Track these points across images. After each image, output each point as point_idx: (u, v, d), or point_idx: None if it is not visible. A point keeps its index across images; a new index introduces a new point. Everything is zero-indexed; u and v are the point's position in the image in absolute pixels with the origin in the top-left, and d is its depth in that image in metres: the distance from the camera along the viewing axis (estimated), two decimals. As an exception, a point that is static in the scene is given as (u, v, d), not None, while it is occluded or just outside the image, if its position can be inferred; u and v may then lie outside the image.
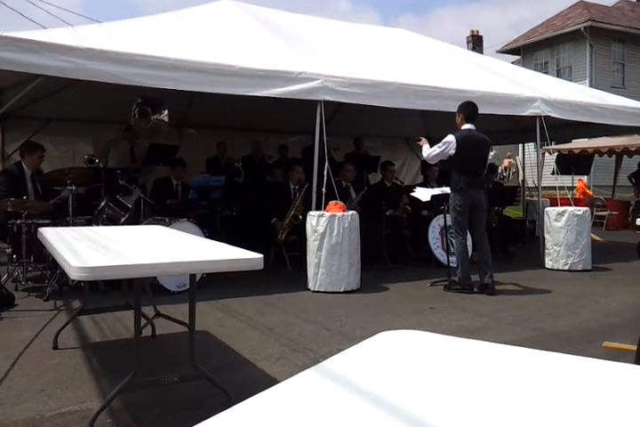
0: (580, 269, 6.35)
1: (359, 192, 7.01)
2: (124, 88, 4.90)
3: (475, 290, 5.23)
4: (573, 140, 12.27)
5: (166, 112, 5.53)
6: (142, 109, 5.48)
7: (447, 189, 5.60)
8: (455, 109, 5.45)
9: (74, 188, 5.10)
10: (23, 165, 5.65)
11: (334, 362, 1.03)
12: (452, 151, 5.18)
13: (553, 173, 7.36)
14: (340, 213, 5.24)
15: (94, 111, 7.37)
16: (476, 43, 25.20)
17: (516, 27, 68.88)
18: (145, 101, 5.47)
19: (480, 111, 5.67)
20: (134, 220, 5.50)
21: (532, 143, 9.18)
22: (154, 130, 5.58)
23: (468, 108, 5.36)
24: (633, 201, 11.94)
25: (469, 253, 5.50)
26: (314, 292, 5.20)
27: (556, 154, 10.62)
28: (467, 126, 5.31)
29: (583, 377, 0.96)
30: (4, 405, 2.58)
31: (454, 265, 5.62)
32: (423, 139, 5.65)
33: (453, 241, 6.08)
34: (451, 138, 5.22)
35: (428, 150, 5.37)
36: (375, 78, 5.90)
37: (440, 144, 5.26)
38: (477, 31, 25.83)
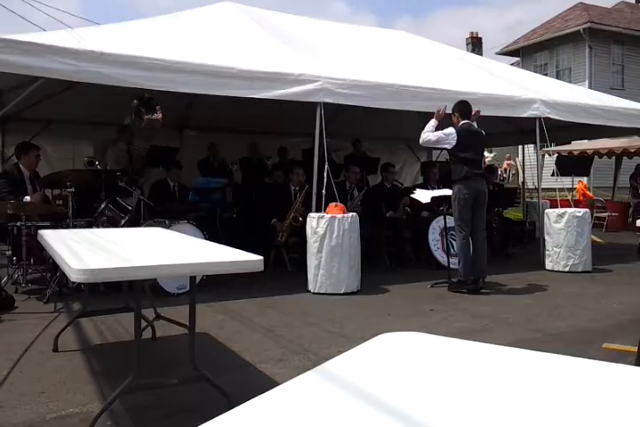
0: (580, 270, 6.35)
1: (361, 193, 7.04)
2: (124, 90, 4.91)
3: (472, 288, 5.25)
4: (573, 142, 12.29)
5: (159, 112, 5.52)
6: (137, 109, 5.48)
7: (447, 191, 5.60)
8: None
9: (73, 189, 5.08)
10: (21, 166, 5.66)
11: (335, 364, 1.03)
12: (453, 143, 5.27)
13: (553, 175, 7.38)
14: (340, 215, 5.24)
15: (94, 113, 7.37)
16: (475, 44, 25.25)
17: (513, 29, 69.23)
18: (140, 102, 5.47)
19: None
20: (134, 222, 5.50)
21: (532, 145, 9.18)
22: (148, 130, 5.57)
23: (462, 107, 5.46)
24: (632, 202, 11.95)
25: (471, 251, 5.47)
26: (314, 293, 5.20)
27: (556, 155, 10.64)
28: (464, 121, 5.41)
29: (583, 379, 0.96)
30: (5, 407, 2.57)
31: (454, 266, 5.62)
32: (441, 111, 5.47)
33: (454, 241, 6.09)
34: (452, 130, 5.31)
35: (427, 131, 5.38)
36: (375, 80, 5.91)
37: (441, 133, 5.32)
38: (477, 33, 25.88)
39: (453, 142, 5.28)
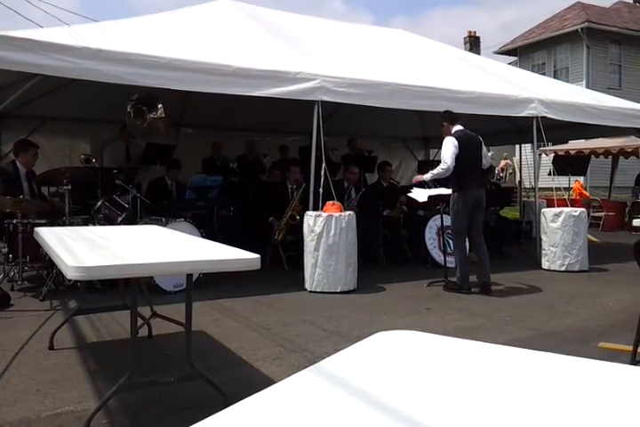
0: (576, 269, 6.36)
1: (359, 193, 7.04)
2: (120, 87, 4.89)
3: (473, 290, 5.24)
4: (570, 142, 12.31)
5: (162, 109, 5.50)
6: (138, 108, 5.45)
7: (444, 190, 5.60)
8: (453, 110, 5.47)
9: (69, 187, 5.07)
10: (17, 163, 5.64)
11: (331, 362, 1.03)
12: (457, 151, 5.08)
13: (549, 174, 7.38)
14: (337, 214, 5.24)
15: (91, 110, 7.35)
16: (473, 44, 25.24)
17: (508, 28, 69.28)
18: (139, 100, 5.45)
19: (477, 112, 5.68)
20: (131, 219, 5.49)
21: (529, 144, 9.20)
22: (150, 129, 5.55)
23: (448, 114, 5.36)
24: (629, 202, 11.99)
25: (467, 254, 5.49)
26: (311, 292, 5.20)
27: (553, 155, 10.64)
28: (458, 127, 5.27)
29: (579, 378, 0.96)
30: (0, 405, 2.57)
31: (451, 265, 5.63)
32: (417, 176, 5.61)
33: (451, 241, 6.09)
34: (452, 139, 5.15)
35: (436, 170, 5.19)
36: (373, 79, 5.90)
37: (445, 150, 5.11)
38: (474, 32, 25.87)
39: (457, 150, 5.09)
